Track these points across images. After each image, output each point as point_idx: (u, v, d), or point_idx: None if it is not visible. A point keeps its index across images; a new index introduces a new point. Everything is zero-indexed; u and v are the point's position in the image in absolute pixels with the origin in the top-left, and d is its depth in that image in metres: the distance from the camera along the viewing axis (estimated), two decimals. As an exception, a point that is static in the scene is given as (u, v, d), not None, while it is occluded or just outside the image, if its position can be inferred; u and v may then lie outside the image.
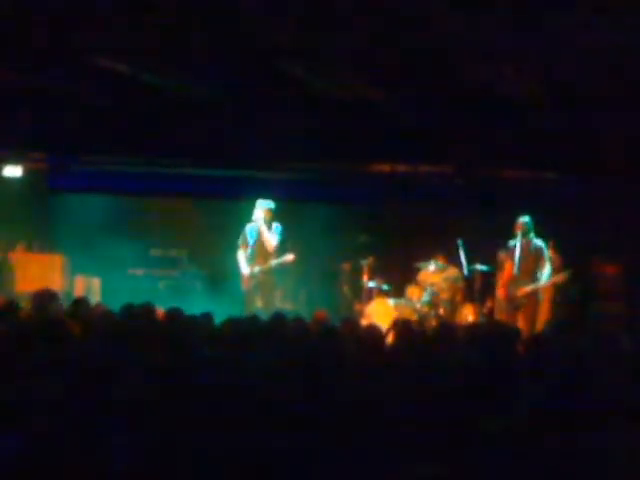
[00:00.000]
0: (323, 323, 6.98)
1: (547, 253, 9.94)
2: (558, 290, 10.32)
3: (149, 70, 9.76)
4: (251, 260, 10.41)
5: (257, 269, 10.35)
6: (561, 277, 9.91)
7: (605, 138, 9.87)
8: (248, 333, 5.73)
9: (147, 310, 6.19)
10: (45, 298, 7.06)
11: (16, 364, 4.87)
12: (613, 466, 3.82)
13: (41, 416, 4.09)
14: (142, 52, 9.16)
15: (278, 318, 6.53)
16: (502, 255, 10.28)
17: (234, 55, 9.21)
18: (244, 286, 10.46)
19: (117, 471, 3.74)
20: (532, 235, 9.94)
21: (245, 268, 10.45)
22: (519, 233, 9.88)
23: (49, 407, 4.18)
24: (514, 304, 9.87)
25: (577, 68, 8.56)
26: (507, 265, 10.08)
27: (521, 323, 9.61)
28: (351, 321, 7.08)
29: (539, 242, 9.97)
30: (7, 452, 3.75)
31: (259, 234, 10.39)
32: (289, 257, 10.29)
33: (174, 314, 6.23)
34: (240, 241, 10.54)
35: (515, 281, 9.92)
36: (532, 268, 9.89)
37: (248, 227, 10.48)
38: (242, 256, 10.49)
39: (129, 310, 6.07)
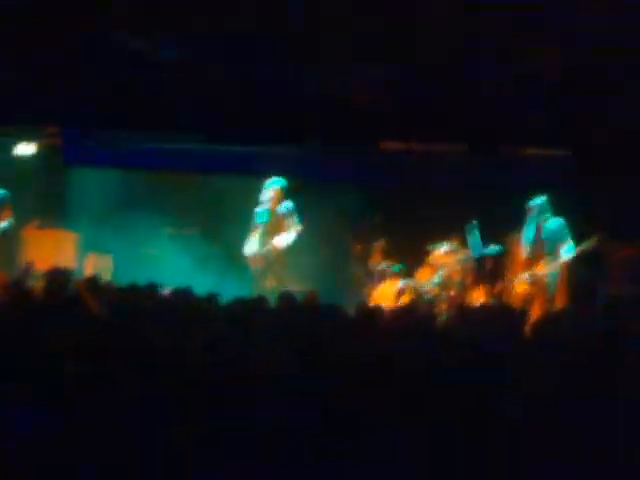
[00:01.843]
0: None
1: (566, 231, 9.87)
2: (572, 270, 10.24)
3: (165, 46, 9.77)
4: (262, 241, 10.41)
5: (267, 248, 10.35)
6: (591, 244, 9.79)
7: (618, 116, 9.81)
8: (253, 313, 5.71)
9: (151, 289, 6.19)
10: (58, 277, 7.10)
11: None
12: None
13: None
14: (158, 28, 9.18)
15: (286, 298, 6.51)
16: (514, 237, 10.28)
17: (248, 32, 9.22)
18: (253, 267, 10.47)
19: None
20: (548, 216, 9.90)
21: (251, 249, 10.44)
22: (532, 216, 9.87)
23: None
24: (536, 286, 9.86)
25: (592, 47, 8.50)
26: (519, 248, 10.08)
27: (540, 304, 9.61)
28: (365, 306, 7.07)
29: (558, 221, 9.89)
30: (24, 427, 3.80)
31: (271, 214, 10.38)
32: (295, 228, 10.29)
33: (180, 293, 6.24)
34: (252, 225, 10.55)
35: (533, 263, 9.90)
36: (552, 248, 9.85)
37: (257, 210, 10.48)
38: (252, 238, 10.49)
39: (133, 289, 6.08)
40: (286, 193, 10.48)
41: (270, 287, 10.12)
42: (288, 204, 10.44)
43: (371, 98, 10.40)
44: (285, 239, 10.32)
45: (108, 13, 9.20)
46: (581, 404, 4.14)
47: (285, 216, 10.41)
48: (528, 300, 9.75)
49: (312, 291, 7.51)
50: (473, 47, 9.29)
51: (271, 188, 10.42)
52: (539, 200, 9.92)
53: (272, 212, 10.41)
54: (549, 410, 4.08)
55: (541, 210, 9.89)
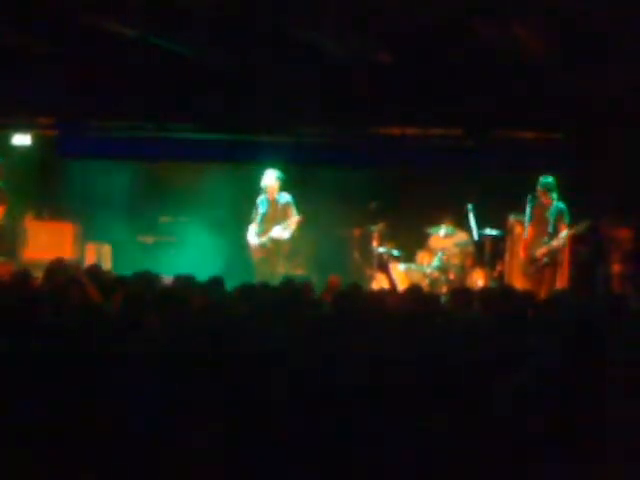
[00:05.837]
0: (337, 289, 6.85)
1: (567, 217, 9.85)
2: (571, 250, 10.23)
3: (159, 35, 9.74)
4: (261, 229, 10.41)
5: (267, 238, 10.36)
6: (580, 228, 9.79)
7: (618, 98, 9.80)
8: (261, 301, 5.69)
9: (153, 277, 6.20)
10: (58, 268, 7.09)
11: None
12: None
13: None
14: (153, 16, 9.14)
15: (288, 284, 6.47)
16: (512, 220, 10.30)
17: (244, 19, 9.17)
18: (253, 256, 10.47)
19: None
20: (555, 196, 9.88)
21: (253, 238, 10.45)
22: (540, 194, 9.85)
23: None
24: (535, 266, 9.85)
25: (591, 27, 8.48)
26: (520, 229, 10.07)
27: (542, 285, 9.62)
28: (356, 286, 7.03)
29: (561, 204, 9.88)
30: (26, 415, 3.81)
31: (270, 204, 10.39)
32: (294, 219, 10.29)
33: (182, 280, 6.23)
34: (253, 214, 10.55)
35: (535, 243, 9.89)
36: (551, 230, 9.84)
37: (259, 199, 10.48)
38: (252, 227, 10.49)
39: (139, 277, 6.07)
40: (284, 183, 10.46)
41: (269, 275, 10.12)
42: (286, 195, 10.43)
43: (369, 82, 10.38)
44: (284, 231, 10.31)
45: (104, 4, 9.15)
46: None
47: (284, 207, 10.39)
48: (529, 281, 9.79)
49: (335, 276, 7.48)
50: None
51: (269, 177, 10.40)
52: (548, 179, 9.90)
53: (271, 202, 10.40)
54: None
55: (549, 189, 9.86)
